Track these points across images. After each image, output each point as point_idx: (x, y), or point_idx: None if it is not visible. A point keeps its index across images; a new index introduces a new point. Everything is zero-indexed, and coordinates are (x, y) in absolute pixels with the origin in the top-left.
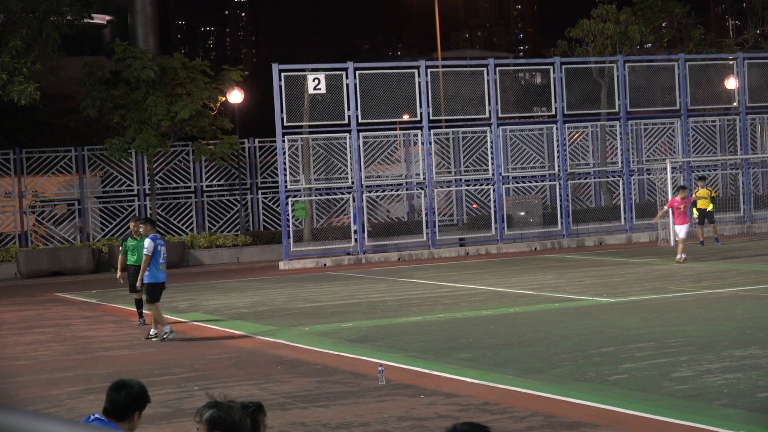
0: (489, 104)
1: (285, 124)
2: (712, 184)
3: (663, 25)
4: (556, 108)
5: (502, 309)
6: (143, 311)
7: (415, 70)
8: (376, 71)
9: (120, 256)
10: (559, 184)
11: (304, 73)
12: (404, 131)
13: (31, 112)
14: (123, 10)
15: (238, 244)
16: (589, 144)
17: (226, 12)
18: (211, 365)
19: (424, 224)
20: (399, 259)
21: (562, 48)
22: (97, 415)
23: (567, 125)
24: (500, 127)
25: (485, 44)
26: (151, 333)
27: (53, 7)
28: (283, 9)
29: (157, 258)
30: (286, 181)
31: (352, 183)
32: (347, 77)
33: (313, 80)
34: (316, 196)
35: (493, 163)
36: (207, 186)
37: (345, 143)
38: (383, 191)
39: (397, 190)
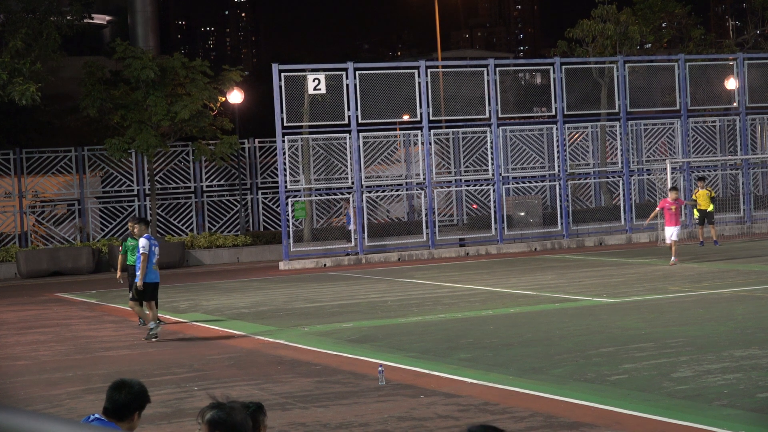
0: (489, 104)
1: (285, 124)
2: (712, 184)
3: (663, 25)
4: (556, 108)
5: (502, 309)
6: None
7: (415, 70)
8: (376, 71)
9: (120, 257)
10: (559, 185)
11: (304, 73)
12: (404, 131)
13: (31, 112)
14: (123, 10)
15: (238, 244)
16: (589, 144)
17: (226, 12)
18: (211, 365)
19: (424, 224)
20: (399, 259)
21: (562, 48)
22: (97, 416)
23: (567, 125)
24: (500, 128)
25: (485, 44)
26: (151, 333)
27: (53, 7)
28: (283, 9)
29: (151, 258)
30: (286, 182)
31: (352, 183)
32: (347, 77)
33: (313, 80)
34: (316, 196)
35: (493, 164)
36: (207, 186)
37: (345, 143)
38: (383, 191)
39: (397, 191)
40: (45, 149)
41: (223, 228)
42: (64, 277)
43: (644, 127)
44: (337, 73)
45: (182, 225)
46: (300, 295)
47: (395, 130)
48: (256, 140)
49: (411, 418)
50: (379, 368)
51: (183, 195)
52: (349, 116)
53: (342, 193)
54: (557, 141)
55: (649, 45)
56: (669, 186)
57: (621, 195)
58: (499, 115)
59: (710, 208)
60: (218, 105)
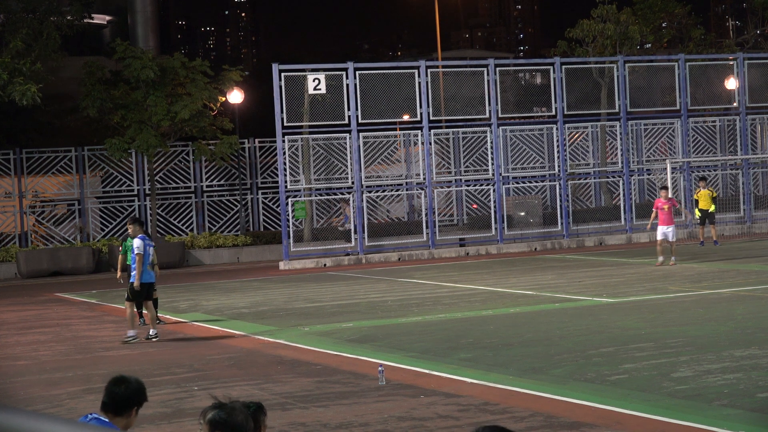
0: (489, 104)
1: (285, 124)
2: (713, 184)
3: (663, 25)
4: (556, 108)
5: (502, 309)
6: (143, 311)
7: (415, 70)
8: (376, 71)
9: (120, 257)
10: (559, 185)
11: (304, 73)
12: (404, 131)
13: (31, 113)
14: (123, 10)
15: (238, 244)
16: (589, 144)
17: (226, 12)
18: (211, 365)
19: (424, 224)
20: (399, 259)
21: (562, 48)
22: (94, 415)
23: (567, 125)
24: (500, 128)
25: (485, 44)
26: (150, 333)
27: (53, 7)
28: (283, 9)
29: (146, 258)
30: (286, 181)
31: (352, 183)
32: (347, 77)
33: (313, 80)
34: (316, 196)
35: (493, 164)
36: (207, 186)
37: (345, 143)
38: (383, 191)
39: (397, 191)
40: (45, 149)
41: (223, 228)
42: (64, 277)
43: (644, 127)
44: (337, 73)
45: (182, 225)
46: (300, 295)
47: (395, 130)
48: (256, 140)
49: (411, 418)
50: (379, 368)
51: (183, 195)
52: (349, 116)
53: (342, 193)
54: (557, 141)
55: (649, 45)
56: (660, 185)
57: (621, 195)
58: (499, 115)
59: (712, 208)
60: (218, 105)
